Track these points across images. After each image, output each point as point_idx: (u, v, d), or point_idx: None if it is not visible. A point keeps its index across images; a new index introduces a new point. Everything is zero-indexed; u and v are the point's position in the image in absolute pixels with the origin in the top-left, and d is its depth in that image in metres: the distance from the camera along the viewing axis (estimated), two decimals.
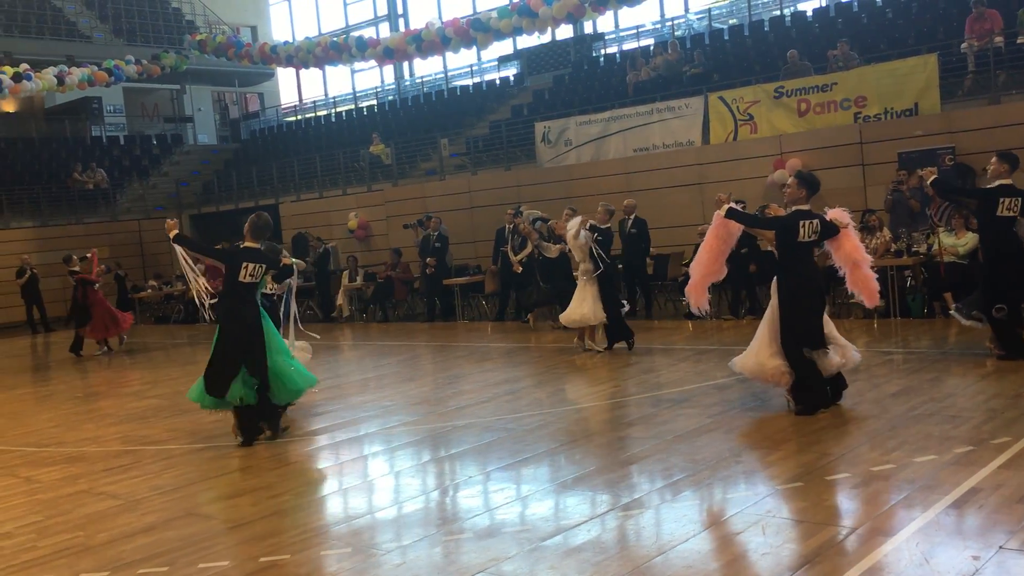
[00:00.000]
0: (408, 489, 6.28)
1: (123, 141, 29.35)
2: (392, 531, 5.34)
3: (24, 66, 21.20)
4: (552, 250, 12.19)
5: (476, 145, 21.01)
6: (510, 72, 25.90)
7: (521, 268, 14.52)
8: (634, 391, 8.79)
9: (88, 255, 15.87)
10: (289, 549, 5.07)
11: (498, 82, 25.76)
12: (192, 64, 26.57)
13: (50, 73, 21.79)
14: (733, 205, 7.69)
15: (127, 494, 6.56)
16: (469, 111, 23.86)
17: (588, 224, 10.90)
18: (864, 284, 7.45)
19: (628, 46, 23.63)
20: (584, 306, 10.87)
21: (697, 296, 7.77)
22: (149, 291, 22.56)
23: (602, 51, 24.24)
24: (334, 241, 20.21)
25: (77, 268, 15.85)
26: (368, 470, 6.92)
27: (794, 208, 7.25)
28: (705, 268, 7.71)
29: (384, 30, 29.63)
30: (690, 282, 7.81)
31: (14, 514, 6.25)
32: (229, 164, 28.31)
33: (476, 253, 18.04)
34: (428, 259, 16.42)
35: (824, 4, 20.36)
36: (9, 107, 28.90)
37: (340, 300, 18.44)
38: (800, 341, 7.09)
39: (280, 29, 34.24)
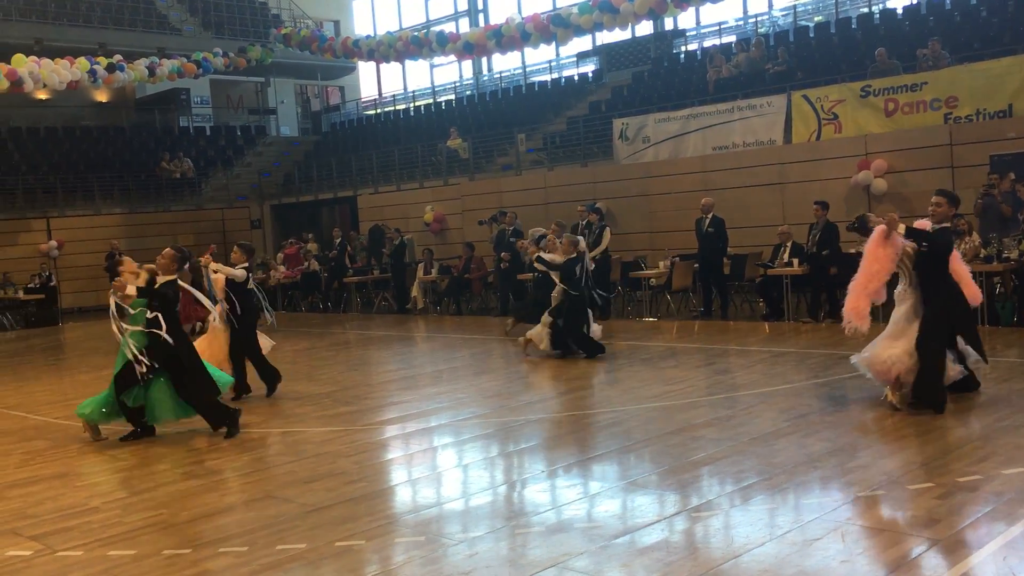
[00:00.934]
0: (477, 482, 6.32)
1: (209, 132, 30.14)
2: (460, 523, 5.38)
3: (117, 57, 21.86)
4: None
5: (553, 141, 20.98)
6: (589, 68, 25.78)
7: (594, 264, 14.53)
8: (708, 392, 8.69)
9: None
10: (364, 535, 5.15)
11: (576, 78, 25.66)
12: (277, 57, 27.12)
13: (142, 64, 22.45)
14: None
15: (208, 474, 6.76)
16: (547, 107, 23.84)
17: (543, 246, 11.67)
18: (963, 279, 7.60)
19: (709, 43, 23.31)
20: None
21: (862, 317, 7.45)
22: None
23: (683, 48, 23.95)
24: (410, 233, 20.42)
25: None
26: (437, 461, 6.98)
27: (942, 225, 7.35)
28: (872, 289, 7.45)
29: (464, 25, 29.78)
30: (851, 303, 7.48)
31: (101, 490, 6.48)
32: (309, 156, 28.83)
33: None
34: (503, 254, 16.48)
35: (915, 2, 19.78)
36: (102, 97, 29.93)
37: (415, 292, 18.62)
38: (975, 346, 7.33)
39: (362, 24, 34.76)
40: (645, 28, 23.79)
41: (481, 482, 6.31)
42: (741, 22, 23.70)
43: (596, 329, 11.33)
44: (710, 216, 14.04)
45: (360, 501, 5.82)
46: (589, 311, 11.21)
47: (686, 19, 24.08)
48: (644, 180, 17.25)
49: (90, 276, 23.24)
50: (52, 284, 21.14)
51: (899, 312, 7.49)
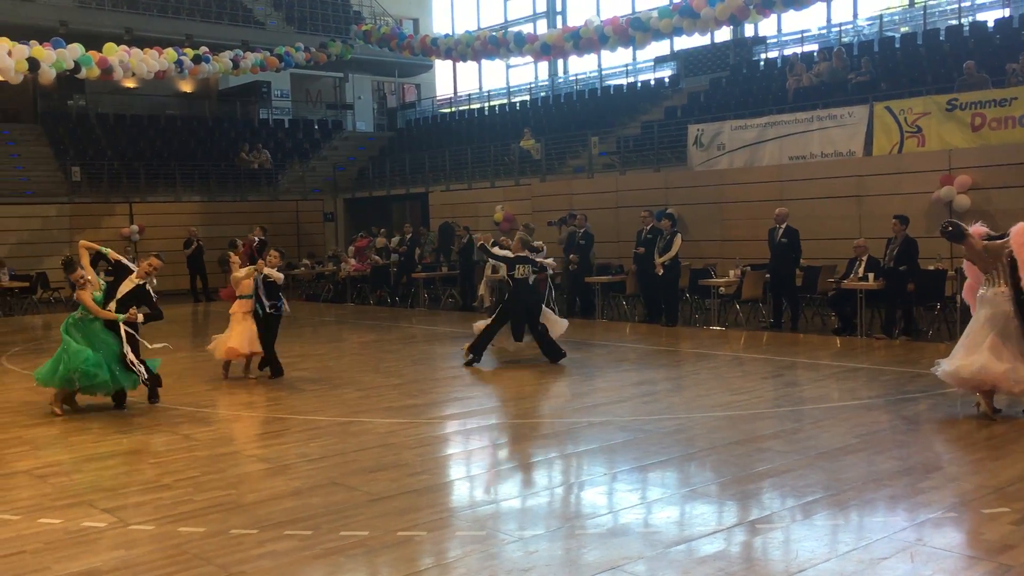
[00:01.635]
0: (537, 481, 6.33)
1: (287, 124, 30.75)
2: (517, 521, 5.40)
3: (203, 49, 22.42)
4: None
5: (626, 145, 20.89)
6: (665, 73, 25.60)
7: (663, 270, 14.46)
8: (775, 404, 8.56)
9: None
10: (424, 526, 5.21)
11: (653, 82, 25.53)
12: (356, 53, 27.53)
13: (226, 57, 23.00)
14: None
15: (276, 458, 6.90)
16: (621, 110, 23.75)
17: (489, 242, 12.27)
18: None
19: (790, 51, 22.93)
20: None
21: None
22: (302, 269, 23.49)
23: (762, 55, 23.63)
24: (479, 232, 20.51)
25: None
26: (498, 458, 7.01)
27: None
28: None
29: (542, 26, 29.85)
30: None
31: (173, 468, 6.67)
32: (384, 151, 29.20)
33: (620, 253, 17.95)
34: (571, 256, 16.46)
35: (1007, 15, 19.18)
36: (187, 87, 30.76)
37: (482, 290, 18.68)
38: None
39: (441, 22, 35.09)
40: (724, 34, 23.54)
41: (540, 482, 6.33)
42: (824, 31, 23.26)
43: (561, 325, 11.62)
44: (784, 226, 13.81)
45: (422, 493, 5.89)
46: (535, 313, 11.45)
47: (767, 26, 23.73)
48: (717, 187, 17.06)
49: (168, 260, 23.82)
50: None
51: (984, 319, 7.38)
